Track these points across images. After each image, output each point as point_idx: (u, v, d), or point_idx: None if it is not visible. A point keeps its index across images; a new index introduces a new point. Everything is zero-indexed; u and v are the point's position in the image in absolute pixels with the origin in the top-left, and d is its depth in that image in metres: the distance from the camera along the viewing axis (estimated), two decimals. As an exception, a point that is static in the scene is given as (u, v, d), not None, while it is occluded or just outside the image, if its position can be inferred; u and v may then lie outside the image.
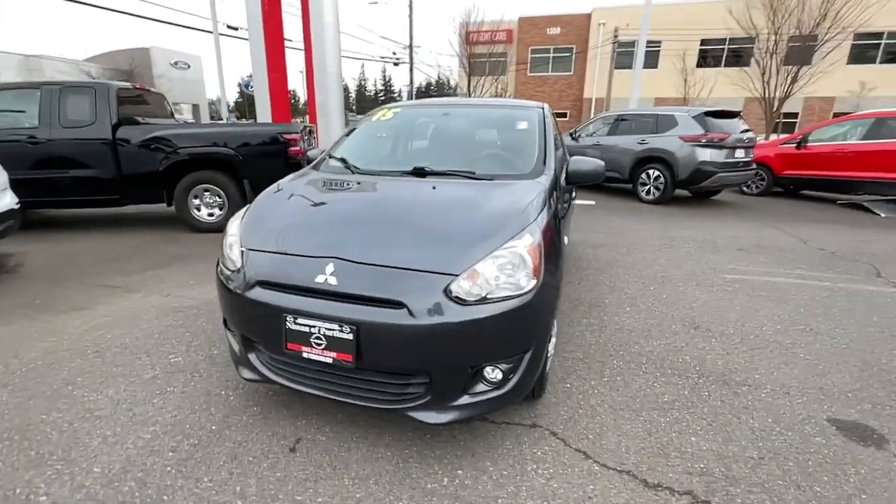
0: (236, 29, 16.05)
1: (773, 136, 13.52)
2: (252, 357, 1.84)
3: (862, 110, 21.51)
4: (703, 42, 23.67)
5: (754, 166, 7.71)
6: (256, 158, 5.13)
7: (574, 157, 2.46)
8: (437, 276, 1.57)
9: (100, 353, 2.47)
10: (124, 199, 5.14)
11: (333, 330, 1.56)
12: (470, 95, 20.80)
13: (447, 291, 1.54)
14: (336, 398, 1.68)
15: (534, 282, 1.63)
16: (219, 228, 5.18)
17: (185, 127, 5.86)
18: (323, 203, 2.13)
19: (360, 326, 1.53)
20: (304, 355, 1.63)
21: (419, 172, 2.30)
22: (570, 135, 9.06)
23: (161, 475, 1.62)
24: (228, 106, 18.78)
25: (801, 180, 8.08)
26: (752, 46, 22.04)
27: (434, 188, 2.12)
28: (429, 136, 2.87)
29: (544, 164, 2.31)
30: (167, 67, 26.41)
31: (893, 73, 21.15)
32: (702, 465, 1.71)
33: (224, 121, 16.38)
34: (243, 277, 1.78)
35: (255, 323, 1.75)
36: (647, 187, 7.58)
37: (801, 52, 12.29)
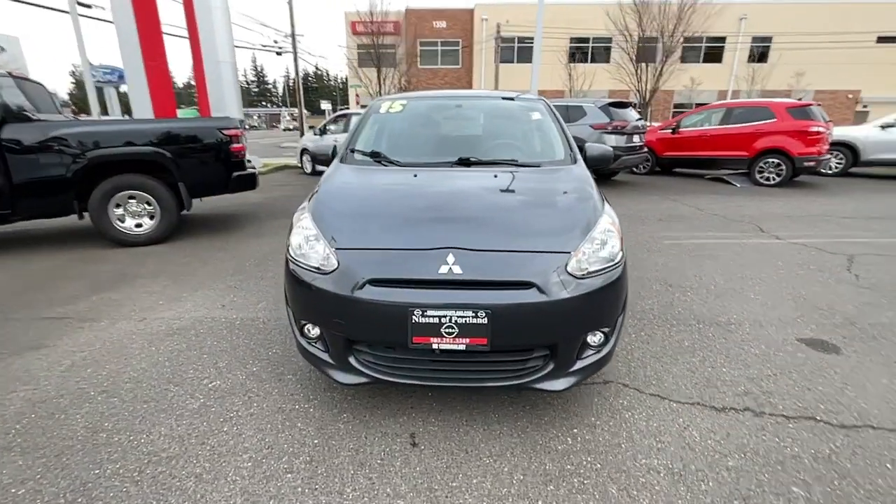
0: (89, 7, 13.35)
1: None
2: (352, 360, 1.78)
3: (693, 102, 25.93)
4: (573, 40, 26.40)
5: (645, 150, 9.05)
6: (192, 158, 4.55)
7: (588, 144, 2.75)
8: (556, 256, 1.71)
9: (110, 393, 2.09)
10: (16, 215, 4.15)
11: (466, 317, 1.60)
12: (380, 88, 20.33)
13: (567, 269, 1.69)
14: (463, 385, 1.72)
15: (621, 254, 1.86)
16: (152, 241, 4.51)
17: (100, 124, 4.89)
18: (399, 196, 2.09)
19: (494, 310, 1.60)
20: (434, 347, 1.65)
21: (465, 162, 2.38)
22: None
23: (296, 497, 1.51)
24: (55, 97, 15.66)
25: (678, 160, 9.70)
26: (611, 46, 25.45)
27: (496, 177, 2.22)
28: (451, 127, 2.92)
29: (571, 150, 2.56)
30: (-30, 50, 20.99)
31: (713, 70, 26.13)
32: (742, 388, 2.14)
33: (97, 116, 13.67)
34: (345, 278, 1.70)
35: (370, 322, 1.70)
36: (565, 172, 8.41)
37: (651, 51, 14.62)
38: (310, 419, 1.91)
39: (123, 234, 4.44)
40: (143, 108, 9.15)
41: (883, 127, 9.13)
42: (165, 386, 2.15)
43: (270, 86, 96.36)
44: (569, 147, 2.57)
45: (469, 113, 2.97)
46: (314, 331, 1.88)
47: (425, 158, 2.49)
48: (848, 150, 9.34)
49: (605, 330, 1.83)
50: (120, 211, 4.42)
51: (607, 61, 25.21)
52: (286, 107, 62.04)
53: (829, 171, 9.51)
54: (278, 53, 26.19)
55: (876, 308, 3.04)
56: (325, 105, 52.82)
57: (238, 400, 2.04)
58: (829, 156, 8.79)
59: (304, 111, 25.50)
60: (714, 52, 26.41)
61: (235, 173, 4.76)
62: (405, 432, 1.84)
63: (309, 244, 1.86)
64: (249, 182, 4.99)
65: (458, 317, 1.61)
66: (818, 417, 1.93)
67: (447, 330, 1.62)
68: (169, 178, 4.50)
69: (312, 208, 2.01)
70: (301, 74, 24.13)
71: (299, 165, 10.55)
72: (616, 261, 1.82)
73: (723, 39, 25.54)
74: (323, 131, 9.78)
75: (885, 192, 7.68)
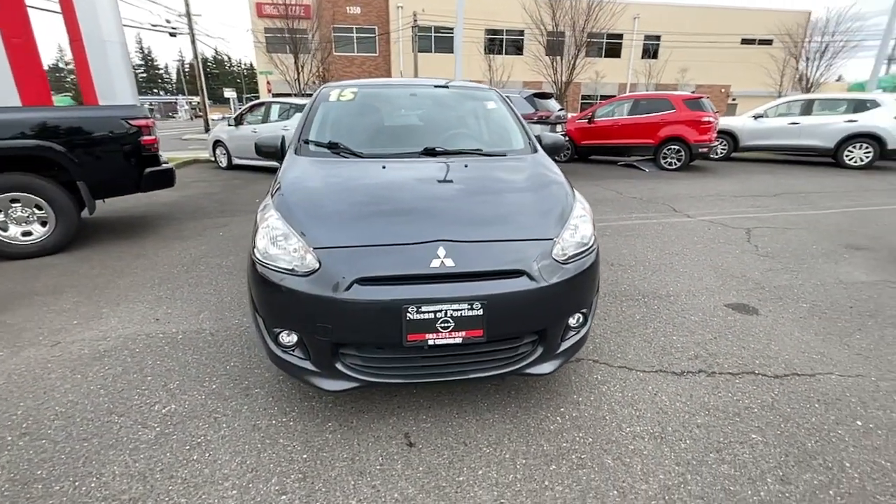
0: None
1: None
2: (339, 365, 1.68)
3: (598, 94, 27.93)
4: (487, 31, 27.02)
5: (567, 138, 9.59)
6: (94, 153, 3.93)
7: (542, 133, 2.83)
8: (541, 243, 1.74)
9: (34, 435, 1.75)
10: None
11: (462, 309, 1.59)
12: (298, 76, 19.07)
13: (552, 255, 1.74)
14: (457, 378, 1.71)
15: (594, 237, 1.96)
16: (47, 251, 3.85)
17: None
18: (374, 189, 1.97)
19: (489, 300, 1.60)
20: (430, 343, 1.61)
21: (430, 152, 2.33)
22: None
23: (298, 519, 1.40)
24: None
25: (594, 148, 10.43)
26: (523, 38, 26.49)
27: (466, 166, 2.20)
28: (407, 116, 2.82)
29: (530, 139, 2.62)
30: None
31: (613, 64, 28.38)
32: (692, 352, 2.38)
33: None
34: (329, 279, 1.59)
35: (360, 324, 1.60)
36: (495, 161, 8.66)
37: (563, 44, 15.56)
38: (292, 433, 1.77)
39: (6, 245, 3.72)
40: (5, 94, 7.69)
41: (755, 117, 10.61)
42: (107, 418, 1.85)
43: (161, 71, 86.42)
44: (527, 136, 2.63)
45: (424, 102, 2.90)
46: (290, 338, 1.74)
47: (388, 149, 2.39)
48: (730, 137, 10.72)
49: (584, 311, 1.92)
50: (0, 217, 3.69)
51: (520, 53, 26.27)
52: (184, 94, 56.00)
53: (716, 156, 10.86)
54: (172, 34, 23.45)
55: (776, 273, 3.55)
56: (229, 93, 48.57)
57: (202, 423, 1.83)
58: (717, 143, 10.03)
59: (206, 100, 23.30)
60: (614, 48, 28.66)
61: (148, 169, 4.20)
62: (399, 433, 1.78)
63: (279, 245, 1.70)
64: (166, 179, 4.45)
65: (453, 310, 1.58)
66: (756, 371, 2.21)
67: (442, 325, 1.59)
68: (64, 177, 3.85)
69: (278, 205, 1.84)
70: (196, 59, 21.83)
71: (212, 159, 9.61)
72: (591, 245, 1.91)
73: (620, 36, 27.78)
74: (238, 122, 9.00)
75: (761, 174, 8.96)
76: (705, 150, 9.11)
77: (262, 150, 2.57)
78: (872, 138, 9.31)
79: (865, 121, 9.47)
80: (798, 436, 1.76)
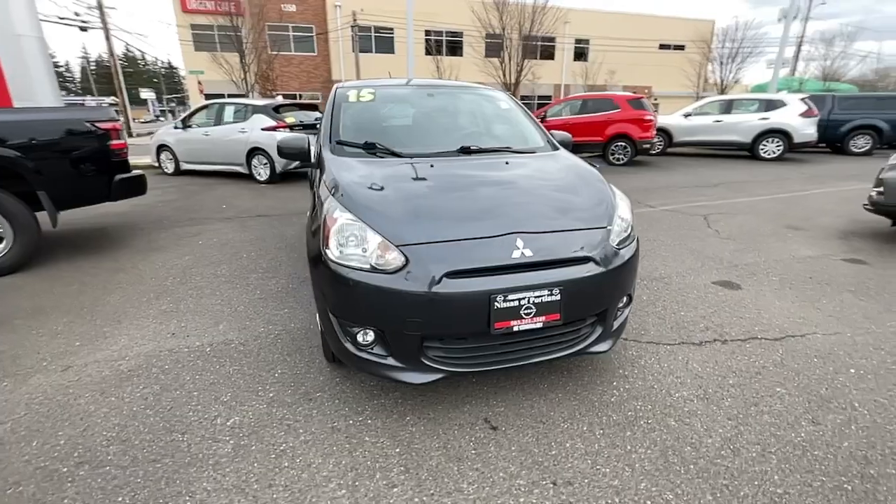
0: None
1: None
2: (425, 358, 1.72)
3: (536, 94, 29.03)
4: (427, 32, 27.19)
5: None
6: (57, 160, 3.55)
7: (553, 132, 3.00)
8: (601, 231, 1.90)
9: (94, 463, 1.61)
10: None
11: (542, 296, 1.70)
12: (245, 75, 17.96)
13: (609, 242, 1.90)
14: (533, 361, 1.81)
15: (632, 222, 2.16)
16: (3, 270, 3.43)
17: None
18: (435, 187, 2.02)
19: (565, 286, 1.73)
20: (515, 329, 1.70)
21: (466, 150, 2.41)
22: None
23: (418, 507, 1.44)
24: None
25: (547, 146, 10.94)
26: (462, 39, 27.00)
27: (507, 163, 2.31)
28: (432, 116, 2.86)
29: (547, 138, 2.78)
30: None
31: (548, 66, 29.75)
32: (703, 325, 2.67)
33: None
34: (419, 274, 1.63)
35: (449, 315, 1.66)
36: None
37: (510, 46, 16.15)
38: (375, 431, 1.79)
39: (-45, 266, 3.26)
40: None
41: (685, 115, 11.71)
42: (168, 437, 1.75)
43: (62, 68, 77.56)
44: (544, 135, 2.80)
45: (442, 102, 2.97)
46: (367, 336, 1.76)
47: (424, 149, 2.44)
48: (665, 134, 11.73)
49: (630, 293, 2.10)
50: (-55, 235, 3.23)
51: (460, 55, 26.76)
52: (92, 95, 50.63)
53: (655, 152, 11.82)
54: (83, 29, 21.18)
55: (742, 253, 4.02)
56: (147, 94, 44.64)
57: (277, 430, 1.78)
58: (657, 139, 10.94)
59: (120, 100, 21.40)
60: (548, 51, 30.04)
61: (119, 176, 3.86)
62: (478, 419, 1.86)
63: (356, 245, 1.71)
64: (137, 186, 4.11)
65: (534, 297, 1.69)
66: (759, 336, 2.53)
67: (526, 311, 1.69)
68: (20, 187, 3.45)
69: (347, 205, 1.84)
70: (104, 55, 19.94)
71: (156, 165, 8.88)
72: (632, 231, 2.10)
73: (553, 39, 29.21)
74: (186, 124, 8.41)
75: (698, 167, 9.91)
76: (648, 146, 9.91)
77: (286, 152, 2.51)
78: (782, 134, 10.63)
79: (776, 118, 10.78)
80: (811, 385, 2.07)
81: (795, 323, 2.68)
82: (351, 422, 1.84)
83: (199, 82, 22.01)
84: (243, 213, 5.65)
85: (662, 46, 32.15)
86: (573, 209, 1.99)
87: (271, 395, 2.01)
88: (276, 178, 7.76)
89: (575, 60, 30.76)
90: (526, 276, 1.70)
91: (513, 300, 1.67)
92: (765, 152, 10.81)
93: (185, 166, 8.50)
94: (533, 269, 1.72)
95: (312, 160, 2.53)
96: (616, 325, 2.03)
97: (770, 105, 11.00)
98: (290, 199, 6.49)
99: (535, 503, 1.46)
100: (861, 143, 12.14)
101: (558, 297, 1.72)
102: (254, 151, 7.70)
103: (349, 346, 1.78)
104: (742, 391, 2.03)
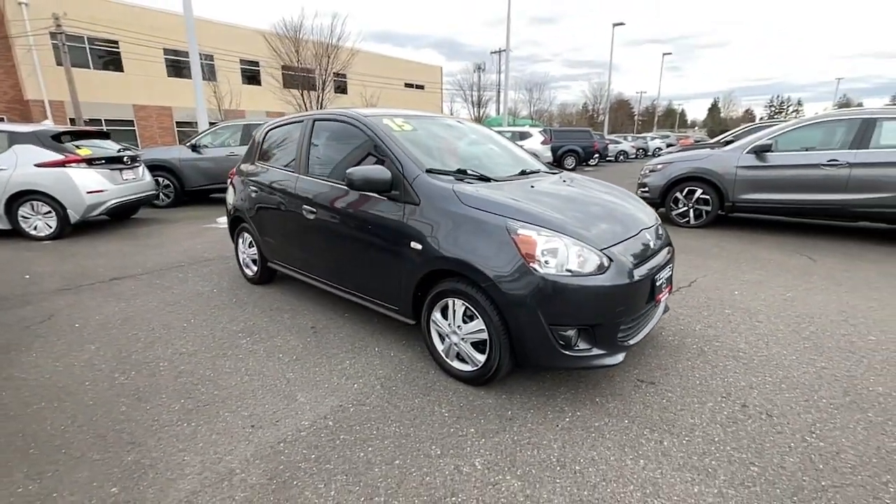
0: None
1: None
2: (619, 341, 2.08)
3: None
4: (167, 51, 23.43)
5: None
6: None
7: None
8: (657, 223, 2.63)
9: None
10: None
11: (667, 273, 2.33)
12: None
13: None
14: (657, 321, 2.39)
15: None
16: None
17: None
18: (565, 200, 2.34)
19: (671, 264, 2.41)
20: (661, 300, 2.27)
21: (524, 173, 2.80)
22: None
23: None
24: None
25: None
26: (213, 63, 24.48)
27: (564, 181, 2.78)
28: (470, 146, 3.07)
29: (542, 161, 3.39)
30: None
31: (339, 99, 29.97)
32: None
33: None
34: (621, 270, 2.00)
35: (638, 297, 2.08)
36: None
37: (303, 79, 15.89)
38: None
39: None
40: None
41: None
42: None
43: None
44: (537, 158, 3.40)
45: (463, 132, 3.19)
46: (574, 335, 1.99)
47: (499, 173, 2.67)
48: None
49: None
50: None
51: (211, 80, 24.16)
52: None
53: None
54: None
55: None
56: None
57: (587, 441, 1.79)
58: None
59: None
60: (340, 85, 30.27)
61: None
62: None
63: (565, 254, 1.94)
64: None
65: (665, 275, 2.30)
66: (679, 287, 3.80)
67: (663, 286, 2.28)
68: None
69: (536, 220, 2.01)
70: None
71: None
72: None
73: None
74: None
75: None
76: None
77: (370, 184, 2.34)
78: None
79: (528, 145, 14.39)
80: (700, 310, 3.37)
81: (683, 274, 4.11)
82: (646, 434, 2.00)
83: None
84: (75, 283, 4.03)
85: (408, 85, 37.06)
86: (637, 209, 2.65)
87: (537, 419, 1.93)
88: (68, 231, 5.65)
89: (336, 92, 32.06)
90: (657, 258, 2.29)
91: (661, 278, 2.23)
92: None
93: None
94: (657, 253, 2.32)
95: (394, 191, 2.38)
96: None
97: (524, 135, 14.61)
98: (128, 255, 4.92)
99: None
100: (570, 161, 17.46)
101: (671, 274, 2.37)
102: (20, 197, 5.39)
103: (561, 349, 1.96)
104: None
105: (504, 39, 22.38)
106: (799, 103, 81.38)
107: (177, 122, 24.47)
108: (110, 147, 6.26)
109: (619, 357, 2.07)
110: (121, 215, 7.10)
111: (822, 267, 4.22)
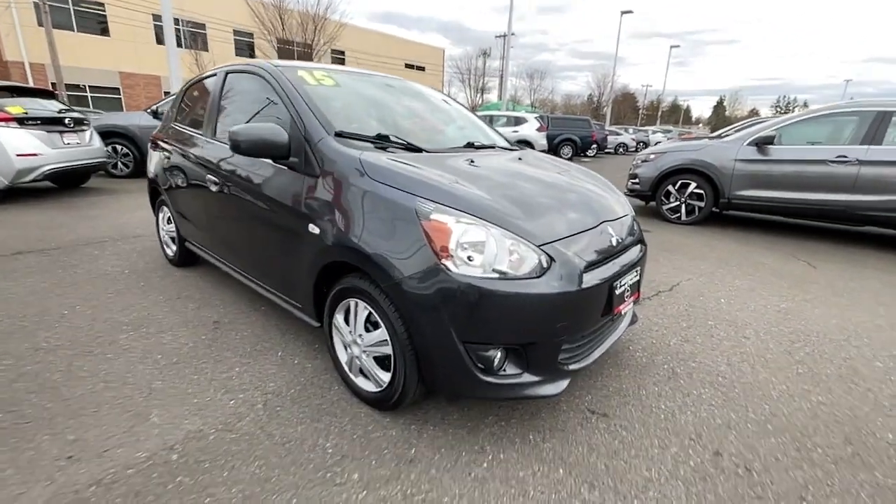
0: None
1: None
2: (560, 365, 1.61)
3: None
4: (156, 17, 22.48)
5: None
6: None
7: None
8: (632, 216, 2.13)
9: None
10: None
11: (633, 278, 1.84)
12: None
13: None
14: (616, 338, 1.91)
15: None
16: None
17: None
18: (512, 182, 1.82)
19: (640, 265, 1.92)
20: (622, 312, 1.78)
21: (470, 146, 2.28)
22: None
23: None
24: None
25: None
26: (206, 33, 23.60)
27: (520, 159, 2.27)
28: (407, 110, 2.46)
29: (501, 135, 2.87)
30: None
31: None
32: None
33: None
34: (565, 273, 1.51)
35: (588, 310, 1.60)
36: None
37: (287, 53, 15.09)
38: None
39: None
40: None
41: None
42: None
43: None
44: (496, 132, 2.88)
45: (405, 96, 2.60)
46: (497, 355, 1.52)
47: (435, 144, 2.14)
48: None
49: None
50: None
51: (206, 49, 23.23)
52: None
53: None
54: None
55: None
56: None
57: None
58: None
59: None
60: (339, 62, 29.44)
61: None
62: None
63: (490, 250, 1.44)
64: None
65: (629, 280, 1.82)
66: (660, 290, 3.33)
67: (626, 293, 1.80)
68: None
69: (457, 203, 1.50)
70: None
71: None
72: None
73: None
74: None
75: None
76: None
77: (257, 147, 1.80)
78: (527, 143, 13.68)
79: (522, 131, 13.82)
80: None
81: (668, 275, 3.64)
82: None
83: None
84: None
85: (408, 66, 36.06)
86: (611, 198, 2.14)
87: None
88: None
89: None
90: (620, 259, 1.80)
91: (622, 285, 1.74)
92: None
93: None
94: (620, 254, 1.83)
95: (293, 158, 1.86)
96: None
97: (519, 120, 14.05)
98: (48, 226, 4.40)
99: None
100: (566, 150, 16.85)
101: (638, 277, 1.89)
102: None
103: (481, 374, 1.48)
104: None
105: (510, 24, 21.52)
106: (805, 105, 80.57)
107: (165, 93, 23.62)
108: (51, 107, 5.68)
109: (561, 385, 1.59)
110: (68, 183, 6.55)
111: (822, 274, 3.75)
